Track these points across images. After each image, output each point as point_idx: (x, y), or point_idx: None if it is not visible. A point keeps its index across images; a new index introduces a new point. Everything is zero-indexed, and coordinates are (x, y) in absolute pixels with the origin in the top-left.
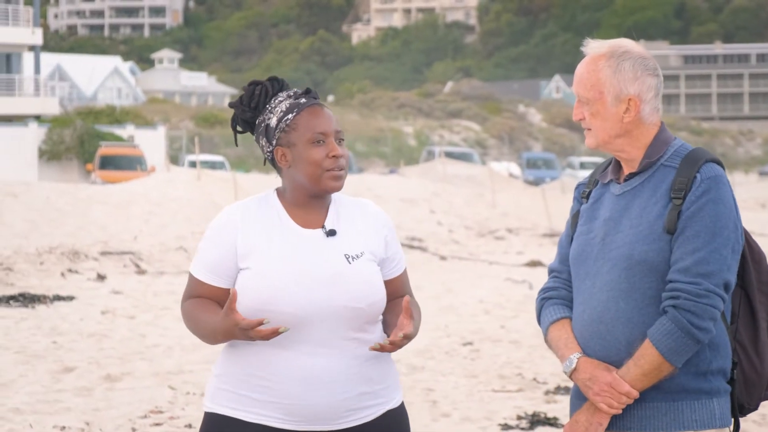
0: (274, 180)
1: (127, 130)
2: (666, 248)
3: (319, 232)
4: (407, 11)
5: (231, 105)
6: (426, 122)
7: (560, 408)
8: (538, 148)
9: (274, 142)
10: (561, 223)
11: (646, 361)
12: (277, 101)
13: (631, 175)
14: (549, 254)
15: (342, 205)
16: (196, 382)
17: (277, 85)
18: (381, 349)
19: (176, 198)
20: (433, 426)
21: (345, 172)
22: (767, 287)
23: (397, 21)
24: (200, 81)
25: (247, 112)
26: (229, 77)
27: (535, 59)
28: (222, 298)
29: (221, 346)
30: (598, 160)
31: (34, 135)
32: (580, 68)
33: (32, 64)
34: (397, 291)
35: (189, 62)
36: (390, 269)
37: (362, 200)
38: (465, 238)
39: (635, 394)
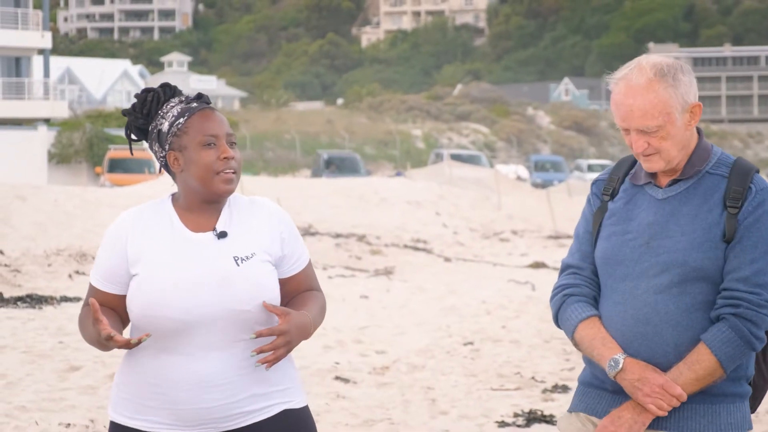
0: (282, 182)
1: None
2: (721, 257)
3: (210, 235)
4: (416, 14)
5: (124, 113)
6: (434, 125)
7: (557, 406)
8: (546, 151)
9: (166, 147)
10: (566, 226)
11: (701, 366)
12: (168, 107)
13: (675, 181)
14: (553, 256)
15: (236, 207)
16: None
17: (169, 91)
18: (260, 352)
19: None
20: (432, 423)
21: (237, 175)
22: None
23: (407, 24)
24: (210, 84)
25: (140, 119)
26: (238, 80)
27: (545, 62)
28: (117, 304)
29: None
30: (607, 162)
31: (43, 138)
32: (635, 101)
33: (42, 68)
34: (299, 287)
35: (198, 65)
36: (289, 267)
37: (258, 199)
38: (470, 240)
39: (685, 397)
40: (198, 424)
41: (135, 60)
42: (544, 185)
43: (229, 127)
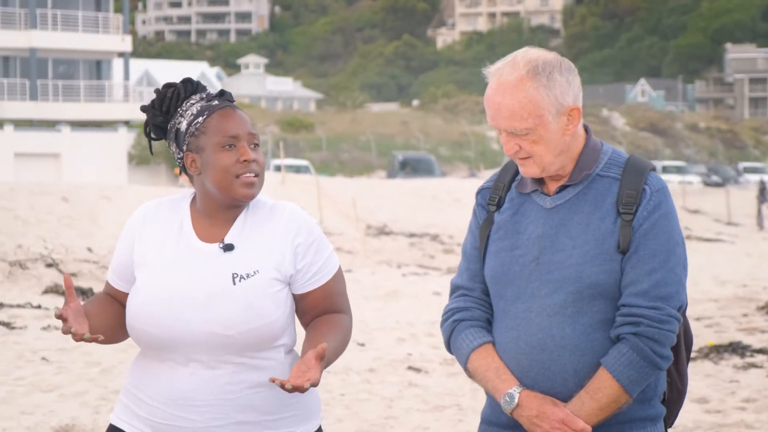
0: (357, 183)
1: None
2: (617, 269)
3: (215, 246)
4: (492, 15)
5: (143, 109)
6: None
7: None
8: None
9: (184, 148)
10: None
11: (604, 394)
12: (188, 104)
13: (563, 187)
14: None
15: (253, 214)
16: None
17: (190, 88)
18: (282, 387)
19: None
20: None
21: (260, 179)
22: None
23: (482, 25)
24: (286, 86)
25: (159, 117)
26: (314, 82)
27: (620, 63)
28: (125, 301)
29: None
30: (681, 164)
31: (123, 140)
32: (503, 99)
33: (122, 71)
34: (318, 304)
35: (275, 67)
36: (305, 281)
37: (280, 204)
38: None
39: (589, 430)
40: None
41: (212, 62)
42: None
43: (251, 127)
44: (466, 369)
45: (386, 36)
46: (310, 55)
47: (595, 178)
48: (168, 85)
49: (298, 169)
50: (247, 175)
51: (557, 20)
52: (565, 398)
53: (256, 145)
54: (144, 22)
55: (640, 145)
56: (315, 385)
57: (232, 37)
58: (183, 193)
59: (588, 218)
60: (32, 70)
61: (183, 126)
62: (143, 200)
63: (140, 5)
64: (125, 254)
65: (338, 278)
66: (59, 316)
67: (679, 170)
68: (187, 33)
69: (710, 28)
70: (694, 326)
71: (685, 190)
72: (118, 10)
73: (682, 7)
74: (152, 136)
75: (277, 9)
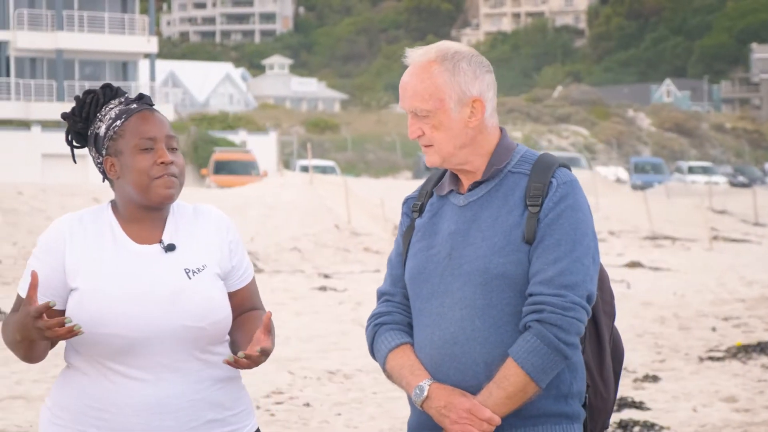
0: (383, 183)
1: (239, 136)
2: (524, 260)
3: (157, 247)
4: (516, 15)
5: (63, 116)
6: (534, 127)
7: (647, 394)
8: (646, 153)
9: (103, 152)
10: (663, 227)
11: (510, 382)
12: (107, 109)
13: (475, 184)
14: (649, 256)
15: (181, 215)
16: (312, 367)
17: (110, 93)
18: (235, 363)
19: (290, 201)
20: None
21: (179, 181)
22: (610, 308)
23: (506, 25)
24: (310, 86)
25: (79, 123)
26: (338, 83)
27: (646, 63)
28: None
29: (68, 373)
30: (707, 164)
31: None
32: (410, 80)
33: (147, 72)
34: (244, 303)
35: (299, 68)
36: (237, 279)
37: (203, 206)
38: None
39: (497, 420)
40: None
41: (237, 63)
42: (643, 187)
43: (170, 129)
44: (384, 370)
45: (410, 36)
46: (335, 55)
47: (507, 174)
48: (88, 92)
49: (324, 170)
50: (165, 176)
51: (582, 20)
52: (477, 391)
53: (175, 148)
54: (169, 23)
55: (666, 146)
56: (268, 352)
57: (257, 38)
58: (98, 206)
59: (497, 212)
60: (59, 72)
61: (102, 130)
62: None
63: (165, 6)
64: (52, 268)
65: (254, 278)
66: (47, 308)
67: (705, 171)
68: (212, 34)
69: (736, 28)
70: (721, 326)
71: (711, 190)
72: (144, 11)
73: (708, 6)
74: (74, 144)
75: (302, 10)
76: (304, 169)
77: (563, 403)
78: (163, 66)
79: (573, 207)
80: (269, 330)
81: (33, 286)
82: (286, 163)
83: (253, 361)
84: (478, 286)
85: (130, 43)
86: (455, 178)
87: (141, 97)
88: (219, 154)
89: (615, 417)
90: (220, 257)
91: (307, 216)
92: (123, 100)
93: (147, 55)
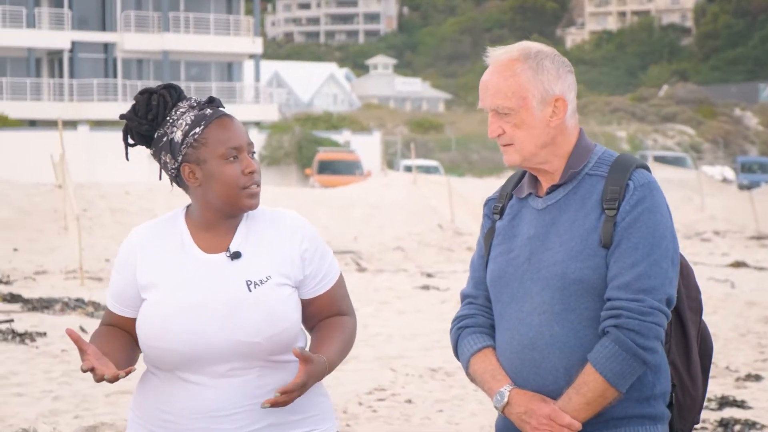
0: (487, 183)
1: (343, 136)
2: (602, 264)
3: (222, 256)
4: (622, 14)
5: (123, 117)
6: (639, 126)
7: (749, 393)
8: (753, 152)
9: (179, 159)
10: None
11: (589, 388)
12: (178, 112)
13: (554, 188)
14: (754, 256)
15: (254, 221)
16: (414, 365)
17: (174, 94)
18: (276, 404)
19: (393, 201)
20: None
21: (260, 188)
22: (696, 303)
23: (612, 24)
24: (414, 86)
25: (144, 125)
26: (442, 82)
27: (754, 61)
28: (132, 328)
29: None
30: None
31: (254, 141)
32: (492, 78)
33: (252, 72)
34: (323, 310)
35: (403, 68)
36: (312, 288)
37: (280, 212)
38: None
39: (577, 425)
40: None
41: (341, 63)
42: (750, 186)
43: (248, 136)
44: (468, 373)
45: (515, 36)
46: (439, 55)
47: (584, 177)
48: (149, 91)
49: (427, 170)
50: (253, 186)
51: (688, 18)
52: (557, 396)
53: (253, 153)
54: (273, 23)
55: None
56: (291, 390)
57: (361, 38)
58: (174, 211)
59: (575, 216)
60: (165, 73)
61: (178, 136)
62: (276, 200)
63: (269, 7)
64: (126, 280)
65: (341, 282)
66: (86, 370)
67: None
68: (316, 34)
69: None
70: None
71: None
72: (249, 12)
73: None
74: (131, 143)
75: (406, 10)
76: (408, 168)
77: (646, 405)
78: (268, 66)
79: (650, 209)
80: (308, 360)
81: (76, 339)
82: (390, 163)
83: (289, 399)
84: (556, 291)
85: (235, 44)
86: (534, 181)
87: (212, 101)
88: (323, 154)
89: (716, 415)
90: (290, 268)
91: (411, 215)
92: (194, 104)
93: (252, 56)
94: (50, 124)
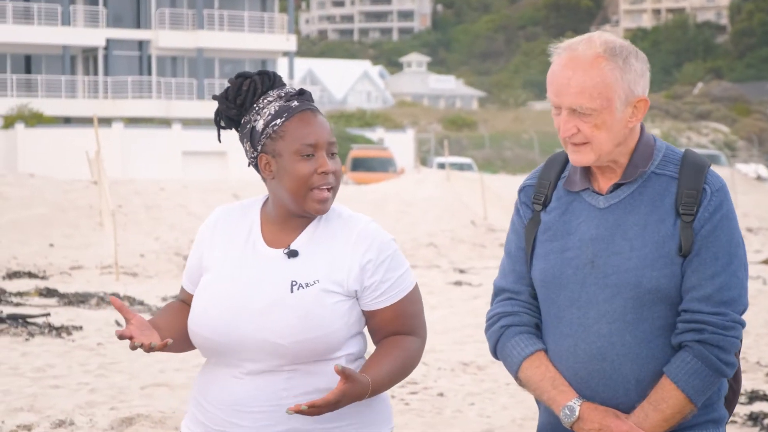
0: (520, 181)
1: (377, 133)
2: (678, 272)
3: (280, 252)
4: (657, 12)
5: (215, 98)
6: (673, 124)
7: None
8: None
9: (258, 148)
10: None
11: (668, 405)
12: (266, 101)
13: (616, 185)
14: None
15: (327, 222)
16: (446, 359)
17: (267, 81)
18: (298, 411)
19: (426, 198)
20: None
21: (334, 192)
22: None
23: (647, 22)
24: (448, 84)
25: (232, 109)
26: (476, 80)
27: None
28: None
29: None
30: None
31: None
32: (574, 75)
33: (286, 70)
34: (386, 325)
35: (437, 65)
36: (372, 299)
37: (355, 217)
38: None
39: None
40: None
41: (374, 61)
42: None
43: (331, 134)
44: (517, 378)
45: (549, 33)
46: (473, 53)
47: (651, 176)
48: (243, 76)
49: (461, 167)
50: (323, 187)
51: (724, 16)
52: (627, 409)
53: (334, 153)
54: (307, 21)
55: None
56: (318, 405)
57: (395, 36)
58: (255, 198)
59: (645, 219)
60: (199, 70)
61: (259, 125)
62: None
63: (303, 4)
64: (197, 259)
65: (412, 299)
66: (122, 337)
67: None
68: (350, 32)
69: None
70: None
71: None
72: (283, 9)
73: None
74: (222, 125)
75: (440, 7)
76: (441, 166)
77: (711, 410)
78: (302, 64)
79: (728, 216)
80: (348, 378)
81: (119, 307)
82: (423, 160)
83: (312, 413)
84: (629, 300)
85: (270, 42)
86: (587, 174)
87: (302, 93)
88: (356, 151)
89: (746, 409)
90: (345, 276)
91: (444, 212)
92: (283, 93)
93: (286, 53)
94: (85, 121)
